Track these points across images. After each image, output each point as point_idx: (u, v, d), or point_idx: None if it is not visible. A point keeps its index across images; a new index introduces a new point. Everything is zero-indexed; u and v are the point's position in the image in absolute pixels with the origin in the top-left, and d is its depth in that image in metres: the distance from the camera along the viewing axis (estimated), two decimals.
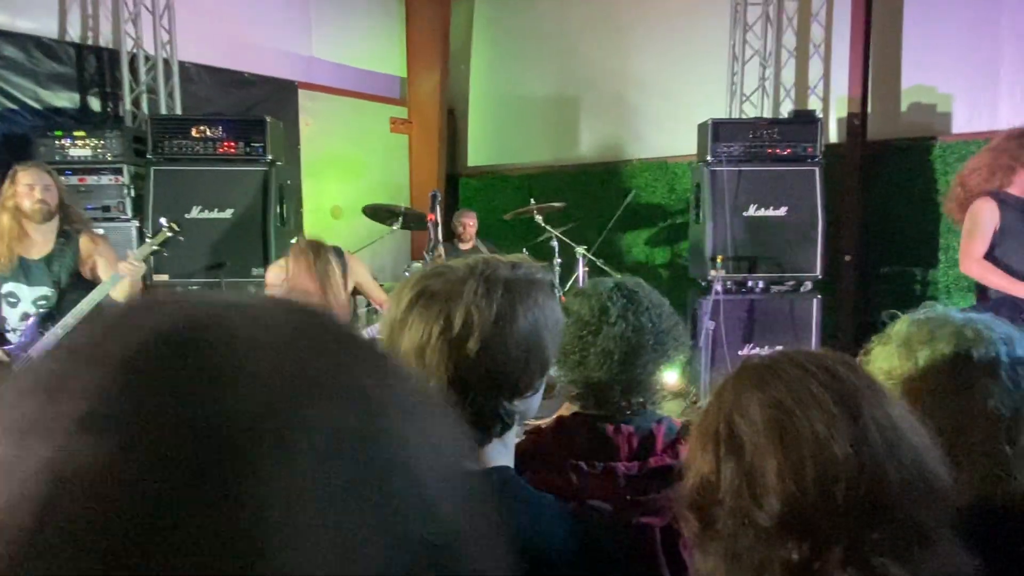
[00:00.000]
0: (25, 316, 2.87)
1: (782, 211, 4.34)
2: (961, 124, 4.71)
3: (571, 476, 1.04)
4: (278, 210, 4.35)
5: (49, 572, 0.25)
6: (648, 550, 1.02)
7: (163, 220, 3.00)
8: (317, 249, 3.29)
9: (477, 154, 7.18)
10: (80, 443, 0.26)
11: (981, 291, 3.11)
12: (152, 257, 3.22)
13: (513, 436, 0.97)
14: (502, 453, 0.95)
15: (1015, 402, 0.85)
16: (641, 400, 1.17)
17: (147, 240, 3.00)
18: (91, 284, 2.95)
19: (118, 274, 2.84)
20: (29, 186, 2.77)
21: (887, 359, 0.94)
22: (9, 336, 2.90)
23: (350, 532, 0.27)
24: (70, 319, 2.84)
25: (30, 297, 2.88)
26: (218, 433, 0.27)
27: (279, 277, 3.38)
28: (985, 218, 2.95)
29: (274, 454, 0.27)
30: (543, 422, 1.21)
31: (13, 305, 2.88)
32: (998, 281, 2.93)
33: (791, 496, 0.66)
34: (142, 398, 0.27)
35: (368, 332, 3.43)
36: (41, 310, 2.88)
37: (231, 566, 0.25)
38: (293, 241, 3.48)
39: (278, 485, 0.26)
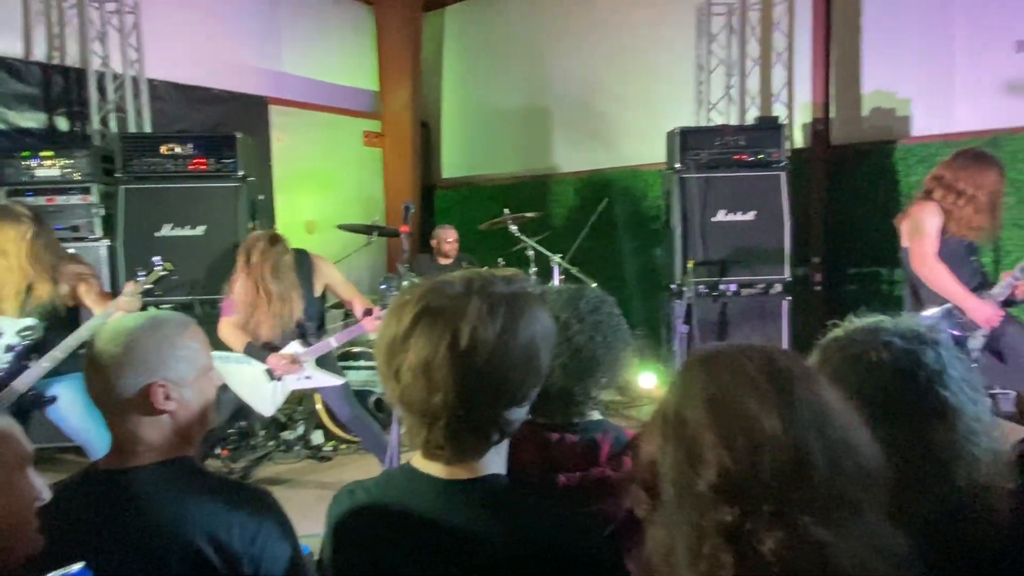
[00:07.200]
0: (9, 348, 2.85)
1: (750, 215, 4.42)
2: (920, 127, 4.85)
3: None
4: (251, 226, 4.34)
5: None
6: None
7: (156, 259, 3.02)
8: (272, 239, 3.29)
9: (451, 166, 7.22)
10: None
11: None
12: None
13: (506, 444, 1.01)
14: (496, 461, 0.99)
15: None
16: (579, 410, 1.22)
17: (138, 279, 2.99)
18: (74, 313, 2.94)
19: (111, 310, 2.84)
20: (3, 252, 2.77)
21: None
22: None
23: None
24: (58, 352, 2.82)
25: (14, 328, 2.86)
26: None
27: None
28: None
29: None
30: None
31: None
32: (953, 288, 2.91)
33: (724, 466, 0.72)
34: None
35: (334, 340, 3.42)
36: (26, 341, 2.86)
37: None
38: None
39: None
